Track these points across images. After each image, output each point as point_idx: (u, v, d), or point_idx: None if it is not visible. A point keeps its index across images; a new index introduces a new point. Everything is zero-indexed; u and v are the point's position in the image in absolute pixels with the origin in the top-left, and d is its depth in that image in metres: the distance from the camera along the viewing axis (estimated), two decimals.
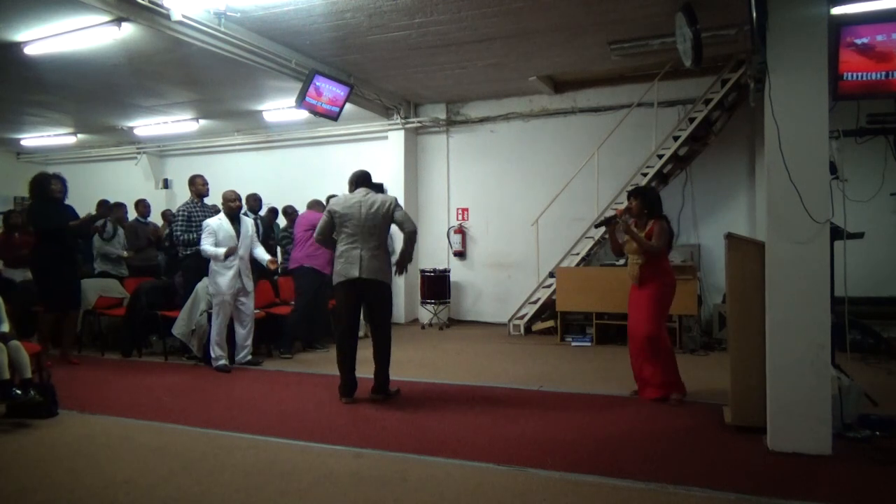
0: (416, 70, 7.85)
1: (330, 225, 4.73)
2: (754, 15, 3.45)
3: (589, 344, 7.27)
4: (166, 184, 11.80)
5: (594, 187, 8.00)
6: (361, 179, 4.87)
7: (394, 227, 4.80)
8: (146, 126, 10.45)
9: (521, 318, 8.20)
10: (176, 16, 5.56)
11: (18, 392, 4.12)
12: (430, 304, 8.95)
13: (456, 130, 9.56)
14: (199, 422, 4.24)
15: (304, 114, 7.92)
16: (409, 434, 3.95)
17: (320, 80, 7.17)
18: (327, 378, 5.28)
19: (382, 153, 9.64)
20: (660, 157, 7.54)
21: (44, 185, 5.95)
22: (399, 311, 8.95)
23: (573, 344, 7.31)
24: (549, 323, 7.94)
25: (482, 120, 9.32)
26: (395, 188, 9.19)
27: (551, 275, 7.98)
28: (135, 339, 6.71)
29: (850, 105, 4.04)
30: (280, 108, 9.11)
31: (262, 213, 8.47)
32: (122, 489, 3.10)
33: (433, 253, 9.60)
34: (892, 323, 6.63)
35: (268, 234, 8.08)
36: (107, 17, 5.59)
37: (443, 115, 9.48)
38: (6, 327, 4.33)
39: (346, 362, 4.73)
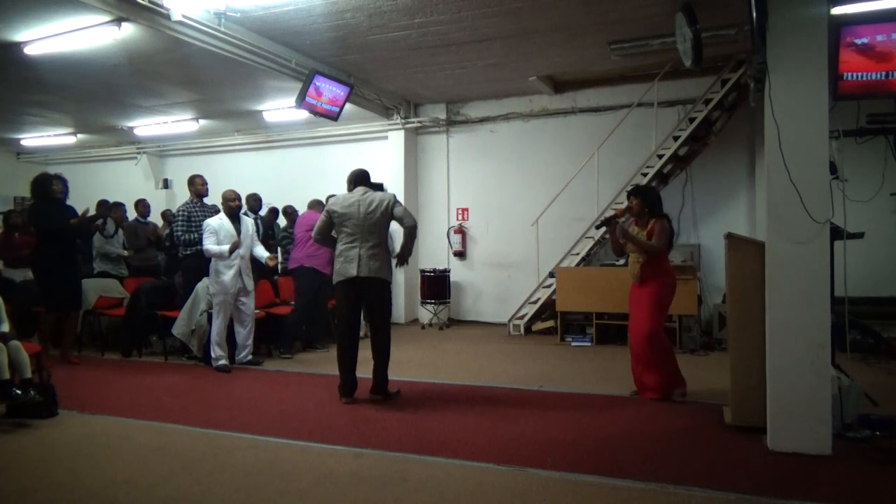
0: (416, 70, 7.85)
1: (328, 225, 4.73)
2: (754, 15, 3.45)
3: (589, 344, 7.27)
4: (166, 184, 11.80)
5: (594, 187, 8.00)
6: (360, 178, 4.86)
7: (394, 226, 4.80)
8: (146, 126, 10.45)
9: (521, 318, 8.20)
10: (176, 16, 5.56)
11: (18, 392, 4.11)
12: (430, 304, 8.95)
13: (456, 130, 9.56)
14: (199, 422, 4.24)
15: (304, 114, 7.92)
16: (409, 434, 3.95)
17: (320, 80, 7.17)
18: (327, 378, 5.28)
19: (382, 153, 9.64)
20: (660, 157, 7.54)
21: (45, 185, 5.97)
22: (399, 311, 8.96)
23: (573, 344, 7.31)
24: (549, 323, 7.94)
25: (482, 120, 9.32)
26: (395, 188, 9.17)
27: (551, 275, 7.98)
28: (135, 339, 6.71)
29: (850, 105, 4.05)
30: (280, 108, 9.11)
31: (263, 213, 8.48)
32: (122, 489, 3.10)
33: (433, 253, 9.60)
34: (892, 323, 6.63)
35: (268, 234, 8.09)
36: (107, 17, 5.59)
37: (443, 115, 9.48)
38: (6, 327, 4.33)
39: (346, 362, 4.72)
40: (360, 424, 4.20)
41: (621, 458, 3.47)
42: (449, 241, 9.54)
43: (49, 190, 5.95)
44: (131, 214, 8.38)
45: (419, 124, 9.58)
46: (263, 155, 10.97)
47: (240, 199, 6.23)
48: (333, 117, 7.71)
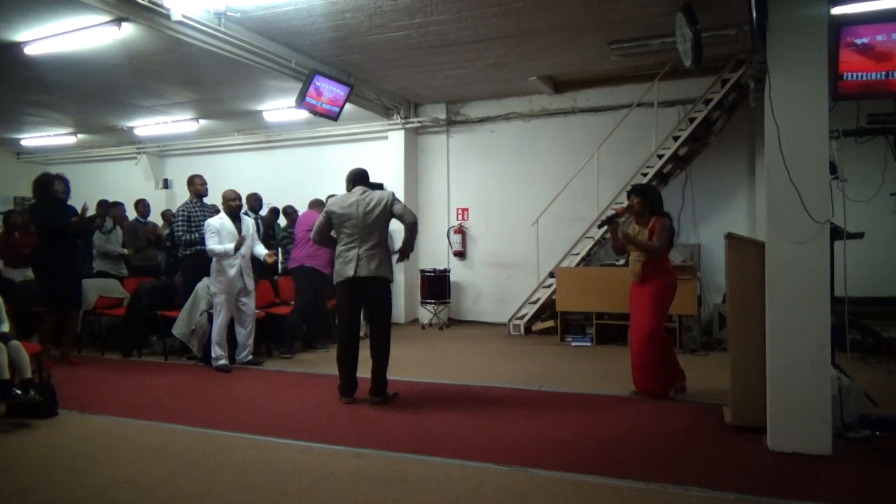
0: (416, 70, 7.85)
1: (327, 225, 4.73)
2: (754, 15, 3.45)
3: (589, 344, 7.27)
4: (166, 184, 11.80)
5: (594, 187, 8.00)
6: (359, 178, 4.86)
7: (394, 226, 4.80)
8: (146, 126, 10.45)
9: (521, 318, 8.20)
10: (176, 16, 5.55)
11: (18, 392, 4.12)
12: (430, 304, 8.95)
13: (456, 130, 9.56)
14: (199, 422, 4.24)
15: (304, 114, 7.92)
16: (409, 434, 3.95)
17: (320, 80, 7.17)
18: (327, 378, 5.28)
19: (382, 153, 9.64)
20: (660, 157, 7.54)
21: (47, 185, 5.98)
22: (399, 311, 8.95)
23: (573, 344, 7.31)
24: (549, 323, 7.94)
25: (482, 120, 9.32)
26: (395, 188, 9.16)
27: (551, 275, 7.98)
28: (135, 339, 6.71)
29: (850, 105, 4.05)
30: (280, 108, 9.10)
31: (263, 213, 8.49)
32: (122, 489, 3.10)
33: (433, 253, 9.60)
34: (892, 323, 6.63)
35: (269, 234, 8.09)
36: (107, 17, 5.59)
37: (443, 115, 9.48)
38: (6, 327, 4.33)
39: (347, 362, 4.72)
40: (360, 424, 4.19)
41: (621, 458, 3.47)
42: (449, 241, 9.54)
43: (51, 190, 5.96)
44: (131, 214, 8.38)
45: (419, 124, 9.58)
46: (263, 155, 10.97)
47: (240, 199, 6.24)
48: (333, 117, 7.71)
